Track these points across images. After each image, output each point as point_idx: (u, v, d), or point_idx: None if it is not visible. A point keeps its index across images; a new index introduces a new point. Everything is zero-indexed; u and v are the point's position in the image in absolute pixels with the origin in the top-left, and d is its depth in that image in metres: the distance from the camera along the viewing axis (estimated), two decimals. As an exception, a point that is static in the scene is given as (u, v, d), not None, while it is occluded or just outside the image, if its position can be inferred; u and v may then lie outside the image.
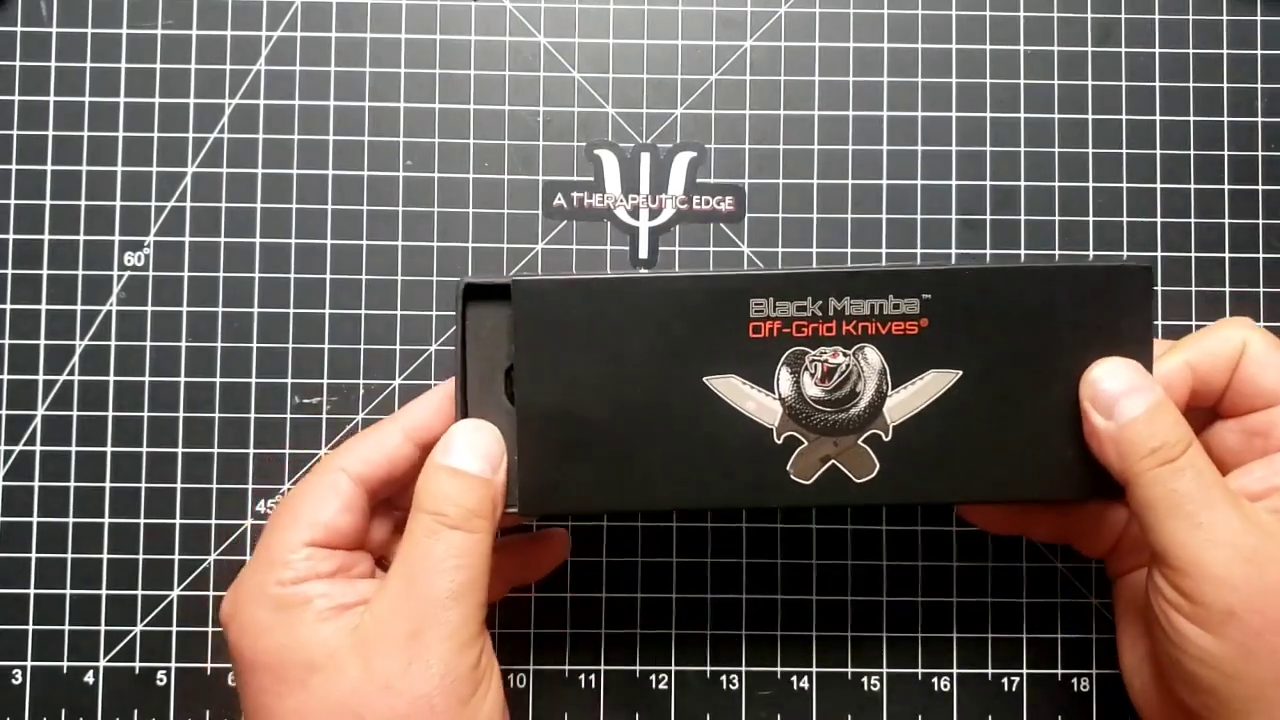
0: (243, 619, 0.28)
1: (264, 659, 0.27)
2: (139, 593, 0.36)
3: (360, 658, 0.27)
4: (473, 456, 0.28)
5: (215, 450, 0.36)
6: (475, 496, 0.28)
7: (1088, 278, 0.29)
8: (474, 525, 0.28)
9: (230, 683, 0.36)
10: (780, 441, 0.29)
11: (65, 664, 0.36)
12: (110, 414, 0.36)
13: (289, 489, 0.35)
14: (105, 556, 0.36)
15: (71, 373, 0.36)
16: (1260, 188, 0.37)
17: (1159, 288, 0.37)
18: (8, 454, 0.36)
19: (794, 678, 0.36)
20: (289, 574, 0.28)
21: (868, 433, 0.29)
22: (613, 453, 0.29)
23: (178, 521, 0.36)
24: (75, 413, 0.36)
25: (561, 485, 0.29)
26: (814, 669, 0.36)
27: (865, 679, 0.36)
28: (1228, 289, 0.37)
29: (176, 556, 0.36)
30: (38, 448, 0.36)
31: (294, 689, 0.27)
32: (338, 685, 0.26)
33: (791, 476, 0.29)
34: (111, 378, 0.36)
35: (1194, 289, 0.37)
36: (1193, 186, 0.37)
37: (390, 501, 0.31)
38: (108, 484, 0.36)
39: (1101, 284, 0.29)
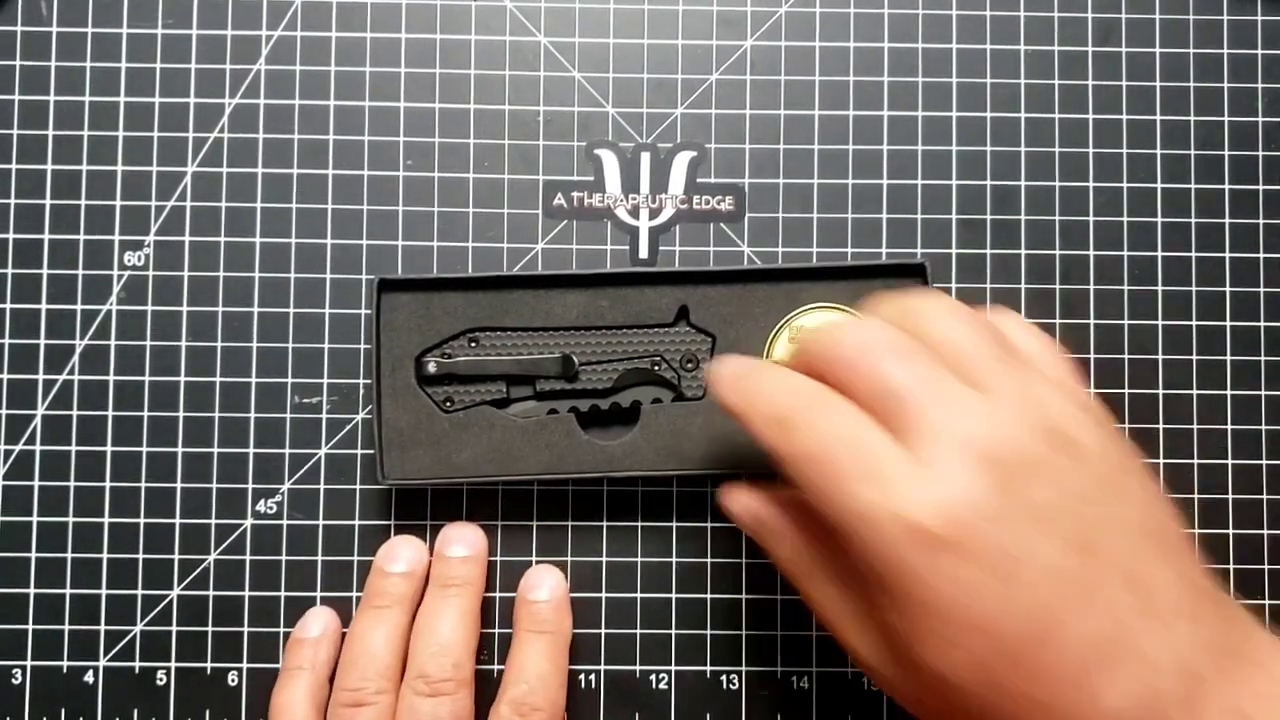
0: None
1: None
2: (139, 592, 0.36)
3: None
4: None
5: (215, 450, 0.36)
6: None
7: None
8: None
9: (230, 682, 0.36)
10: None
11: (65, 663, 0.36)
12: (110, 413, 0.36)
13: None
14: (105, 556, 0.36)
15: (71, 372, 0.36)
16: (1261, 188, 0.37)
17: (1160, 288, 0.37)
18: (8, 453, 0.36)
19: (794, 678, 0.36)
20: None
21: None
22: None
23: (177, 521, 0.36)
24: (75, 412, 0.36)
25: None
26: (814, 669, 0.36)
27: (865, 679, 0.36)
28: (1228, 289, 0.37)
29: (176, 556, 0.36)
30: (38, 447, 0.36)
31: None
32: None
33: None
34: (111, 377, 0.36)
35: (1194, 289, 0.37)
36: (1193, 186, 0.37)
37: None
38: (107, 484, 0.36)
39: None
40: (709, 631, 0.36)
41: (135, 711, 0.36)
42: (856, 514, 0.24)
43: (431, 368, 0.35)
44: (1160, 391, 0.37)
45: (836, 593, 0.27)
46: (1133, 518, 0.24)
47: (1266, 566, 0.36)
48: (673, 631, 0.36)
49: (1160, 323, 0.37)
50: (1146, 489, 0.25)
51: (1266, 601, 0.36)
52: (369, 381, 0.36)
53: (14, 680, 0.36)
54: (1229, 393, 0.37)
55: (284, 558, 0.36)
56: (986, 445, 0.23)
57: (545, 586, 0.35)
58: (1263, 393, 0.37)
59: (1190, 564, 0.24)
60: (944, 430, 0.24)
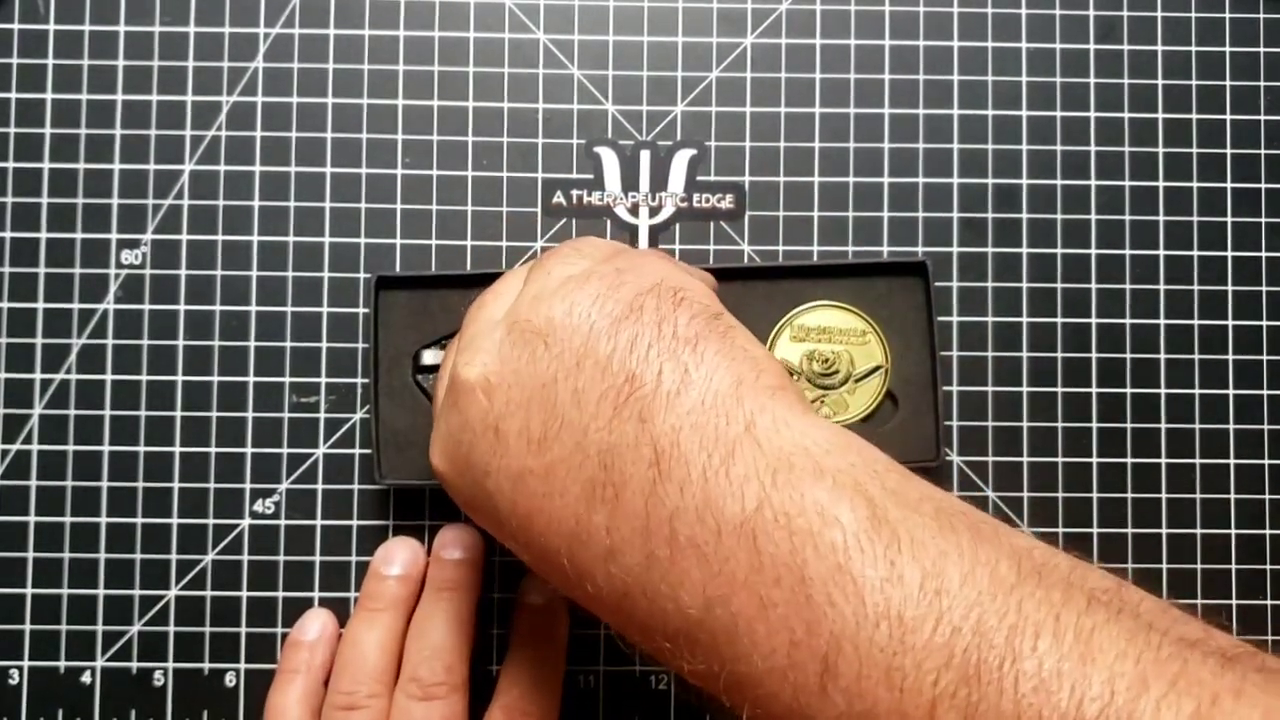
0: None
1: None
2: (136, 592, 0.36)
3: None
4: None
5: (212, 450, 0.36)
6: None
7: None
8: None
9: (228, 683, 0.36)
10: None
11: (62, 664, 0.36)
12: (107, 413, 0.36)
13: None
14: (102, 556, 0.36)
15: (68, 371, 0.36)
16: (1263, 186, 0.37)
17: (1163, 286, 0.37)
18: (4, 453, 0.36)
19: (794, 678, 0.36)
20: None
21: None
22: None
23: (175, 521, 0.36)
24: (72, 412, 0.36)
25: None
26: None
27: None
28: (1230, 288, 0.37)
29: (174, 556, 0.36)
30: (35, 447, 0.36)
31: None
32: None
33: None
34: (109, 376, 0.36)
35: (1196, 288, 0.37)
36: (1195, 185, 0.37)
37: None
38: (105, 483, 0.36)
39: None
40: (709, 632, 0.36)
41: (133, 712, 0.35)
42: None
43: (428, 357, 0.35)
44: (1162, 391, 0.37)
45: None
46: (601, 387, 0.23)
47: (1269, 567, 0.36)
48: (672, 632, 0.36)
49: (1162, 321, 0.37)
50: (626, 357, 0.24)
51: (1269, 602, 0.36)
52: (367, 381, 0.36)
53: (11, 680, 0.35)
54: (1231, 392, 0.37)
55: (282, 558, 0.36)
56: (456, 370, 0.26)
57: (541, 591, 0.35)
58: (1265, 392, 0.37)
59: (669, 421, 0.23)
60: (437, 418, 0.28)
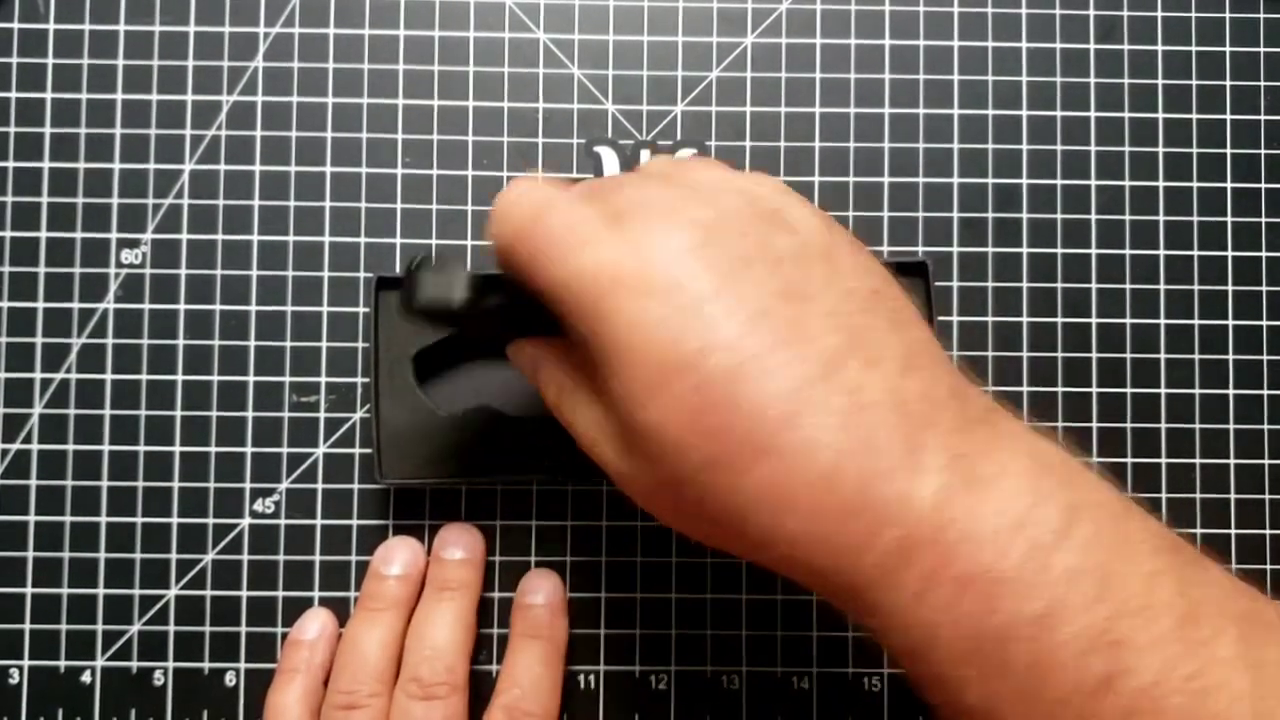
0: None
1: None
2: (136, 592, 0.36)
3: None
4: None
5: (212, 449, 0.36)
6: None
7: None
8: None
9: (228, 683, 0.36)
10: None
11: (62, 663, 0.36)
12: (107, 412, 0.36)
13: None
14: (102, 555, 0.36)
15: (68, 371, 0.36)
16: (1263, 186, 0.37)
17: (1163, 286, 0.37)
18: (4, 453, 0.36)
19: (794, 678, 0.36)
20: None
21: None
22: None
23: (175, 520, 0.36)
24: (72, 411, 0.36)
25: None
26: (814, 669, 0.36)
27: (865, 679, 0.36)
28: (1230, 288, 0.37)
29: (174, 556, 0.36)
30: (34, 446, 0.36)
31: None
32: None
33: None
34: (109, 376, 0.36)
35: (1197, 288, 0.37)
36: (1195, 185, 0.37)
37: None
38: (104, 483, 0.36)
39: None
40: (709, 631, 0.36)
41: (133, 712, 0.35)
42: (564, 281, 0.25)
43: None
44: (1163, 391, 0.37)
45: (590, 411, 0.27)
46: (852, 287, 0.24)
47: (1269, 567, 0.36)
48: (672, 632, 0.36)
49: (1162, 321, 0.37)
50: (871, 276, 0.24)
51: (1269, 602, 0.36)
52: (367, 380, 0.36)
53: (11, 680, 0.35)
54: (1231, 392, 0.37)
55: (281, 558, 0.36)
56: (685, 212, 0.24)
57: (541, 591, 0.35)
58: (1265, 392, 0.37)
59: (925, 346, 0.24)
60: (646, 203, 0.25)
